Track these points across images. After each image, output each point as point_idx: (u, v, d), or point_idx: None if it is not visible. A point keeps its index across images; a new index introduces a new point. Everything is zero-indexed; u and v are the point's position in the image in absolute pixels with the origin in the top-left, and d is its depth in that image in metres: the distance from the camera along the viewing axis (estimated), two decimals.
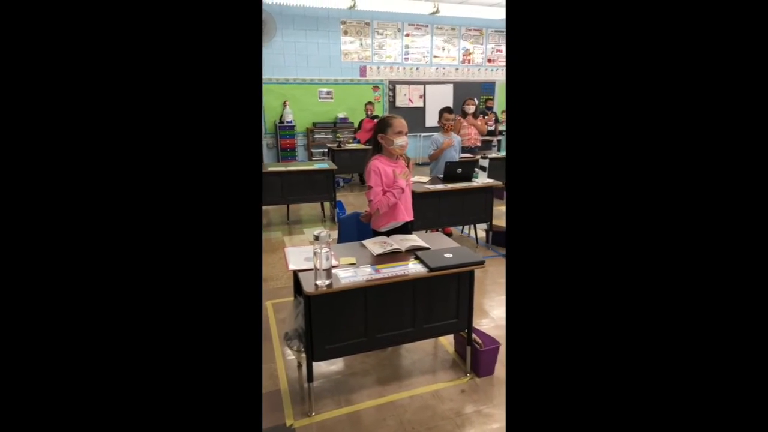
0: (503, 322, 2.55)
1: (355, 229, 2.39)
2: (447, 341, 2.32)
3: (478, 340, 2.05)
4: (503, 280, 3.12)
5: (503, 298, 2.86)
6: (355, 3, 5.99)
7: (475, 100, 4.89)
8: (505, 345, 2.24)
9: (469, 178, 3.57)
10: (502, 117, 8.10)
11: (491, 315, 2.65)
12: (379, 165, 2.14)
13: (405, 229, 2.30)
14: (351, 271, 1.77)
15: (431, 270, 1.80)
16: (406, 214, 2.26)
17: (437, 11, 5.83)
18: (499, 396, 1.92)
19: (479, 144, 4.96)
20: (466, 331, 2.01)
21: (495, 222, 3.92)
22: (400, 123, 2.15)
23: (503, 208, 4.98)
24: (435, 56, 7.68)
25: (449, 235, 4.08)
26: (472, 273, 1.94)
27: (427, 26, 7.48)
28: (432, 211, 3.41)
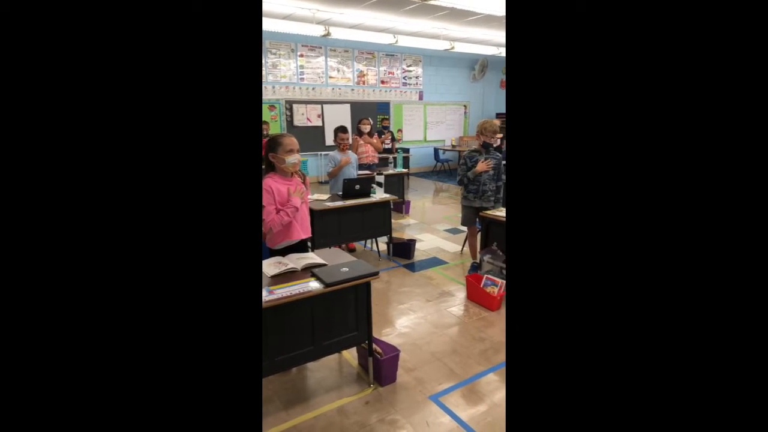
0: (406, 330, 2.65)
1: None
2: (350, 355, 2.34)
3: (379, 349, 2.10)
4: (405, 290, 3.26)
5: (405, 306, 2.99)
6: None
7: (370, 119, 5.09)
8: (406, 351, 2.34)
9: (367, 194, 3.69)
10: (399, 135, 8.55)
11: (395, 324, 2.75)
12: (271, 183, 2.11)
13: (302, 246, 2.29)
14: None
15: (327, 285, 1.81)
16: (302, 232, 2.25)
17: (329, 34, 5.99)
18: (401, 402, 1.98)
19: (376, 161, 5.16)
20: (366, 342, 2.06)
21: (395, 235, 4.09)
22: (291, 141, 2.15)
23: (402, 221, 5.23)
24: (330, 77, 7.84)
25: (353, 250, 4.15)
26: (368, 285, 2.00)
27: (320, 48, 7.62)
28: (333, 228, 3.44)
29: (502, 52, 7.50)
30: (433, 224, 5.12)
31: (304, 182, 2.25)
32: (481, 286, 2.95)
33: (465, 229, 3.77)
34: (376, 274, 1.95)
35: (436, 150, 9.05)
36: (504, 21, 5.73)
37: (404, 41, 6.59)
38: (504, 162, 3.45)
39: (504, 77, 9.71)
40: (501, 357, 2.35)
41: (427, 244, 4.35)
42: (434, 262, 3.85)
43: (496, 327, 2.68)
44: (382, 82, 8.44)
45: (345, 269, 1.94)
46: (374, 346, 2.09)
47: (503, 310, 2.90)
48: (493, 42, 7.46)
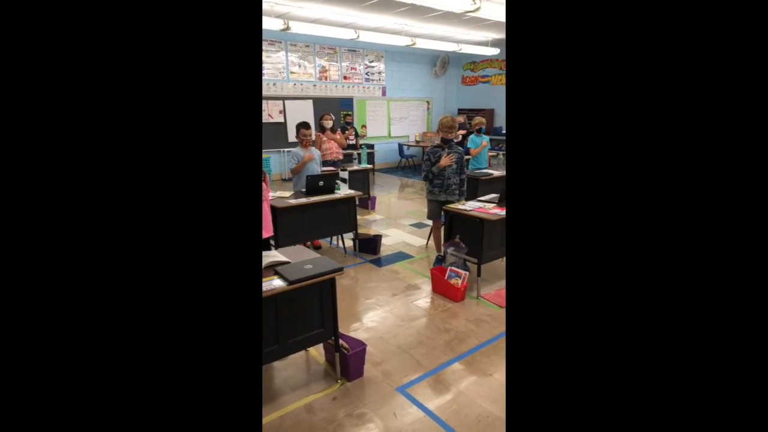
0: (373, 324, 2.67)
1: None
2: (317, 352, 2.33)
3: (345, 345, 2.11)
4: (371, 285, 3.27)
5: (372, 301, 3.00)
6: None
7: (332, 115, 5.05)
8: (376, 345, 2.36)
9: (331, 190, 3.66)
10: (363, 131, 8.53)
11: (362, 319, 2.76)
12: None
13: (264, 245, 2.25)
14: None
15: (291, 283, 1.79)
16: (264, 231, 2.22)
17: (288, 28, 5.87)
18: (369, 395, 2.00)
19: (341, 157, 5.13)
20: (333, 338, 2.06)
21: (360, 231, 4.09)
22: None
23: (368, 217, 5.24)
24: (292, 72, 7.70)
25: (318, 248, 4.11)
26: (333, 281, 1.99)
27: (280, 42, 7.46)
28: (297, 226, 3.40)
29: (462, 48, 7.62)
30: (399, 219, 5.16)
31: (263, 180, 2.21)
32: (446, 278, 3.01)
33: (430, 223, 3.83)
34: (340, 269, 1.95)
35: (400, 146, 9.11)
36: (463, 18, 5.84)
37: (366, 37, 6.57)
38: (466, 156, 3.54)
39: (465, 73, 9.89)
40: (465, 346, 2.41)
41: (392, 239, 4.39)
42: (400, 256, 3.89)
43: (460, 317, 2.75)
44: (345, 77, 8.38)
45: (309, 266, 1.93)
46: (341, 341, 2.09)
47: (467, 301, 2.97)
48: (453, 38, 7.58)
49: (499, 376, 2.14)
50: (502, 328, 2.61)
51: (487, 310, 2.86)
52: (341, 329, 2.11)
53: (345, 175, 3.84)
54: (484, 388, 2.05)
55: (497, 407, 1.91)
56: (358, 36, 6.39)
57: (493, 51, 7.85)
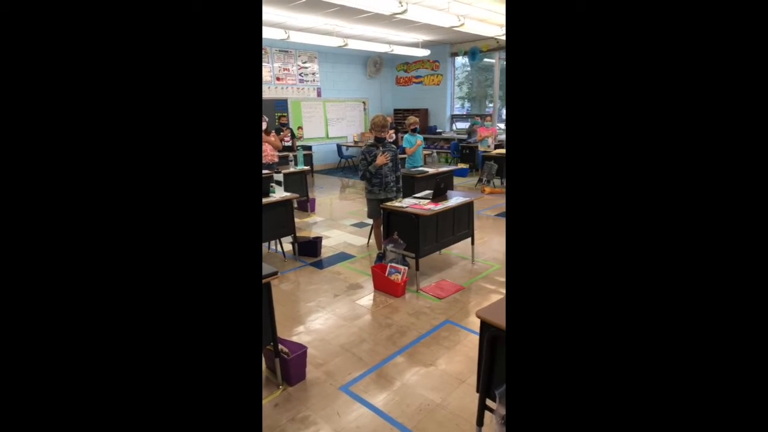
0: (316, 327, 2.65)
1: None
2: None
3: (285, 349, 2.07)
4: (313, 287, 3.24)
5: (313, 304, 2.97)
6: None
7: (266, 116, 4.92)
8: (322, 348, 2.34)
9: (266, 194, 3.57)
10: (299, 133, 8.39)
11: (305, 322, 2.72)
12: None
13: None
14: None
15: None
16: None
17: None
18: (312, 398, 1.98)
19: (276, 160, 5.01)
20: (272, 344, 2.01)
21: (300, 234, 4.03)
22: None
23: (308, 219, 5.17)
24: None
25: None
26: (268, 285, 1.95)
27: None
28: None
29: (394, 49, 7.77)
30: (340, 220, 5.15)
31: None
32: (386, 275, 3.06)
33: (371, 222, 3.86)
34: (274, 273, 1.91)
35: (339, 146, 9.08)
36: (392, 19, 5.95)
37: (297, 37, 6.47)
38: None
39: (398, 74, 10.08)
40: (406, 339, 2.47)
41: (334, 240, 4.37)
42: (342, 257, 3.88)
43: (401, 312, 2.81)
44: (278, 78, 8.19)
45: None
46: (280, 346, 2.05)
47: (407, 295, 3.04)
48: (385, 40, 7.69)
49: (442, 364, 2.22)
50: (442, 318, 2.70)
51: (427, 302, 2.95)
52: (283, 334, 2.07)
53: (280, 177, 3.76)
54: (425, 378, 2.12)
55: (437, 395, 1.98)
56: (289, 36, 6.28)
57: (424, 52, 8.08)
